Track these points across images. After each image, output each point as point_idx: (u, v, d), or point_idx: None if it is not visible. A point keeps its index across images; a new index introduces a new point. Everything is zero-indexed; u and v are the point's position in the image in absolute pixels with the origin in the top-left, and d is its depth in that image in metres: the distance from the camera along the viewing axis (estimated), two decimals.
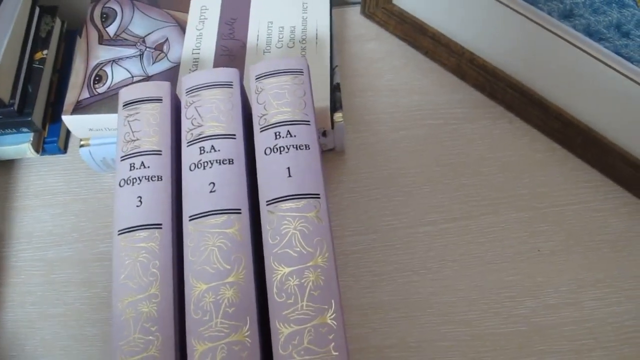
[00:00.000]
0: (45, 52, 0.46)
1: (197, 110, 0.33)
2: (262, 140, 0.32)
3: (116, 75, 0.42)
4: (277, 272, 0.29)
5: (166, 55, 0.43)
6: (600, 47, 0.39)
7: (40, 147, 0.46)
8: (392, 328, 0.40)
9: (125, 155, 0.33)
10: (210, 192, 0.31)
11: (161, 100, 0.34)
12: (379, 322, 0.40)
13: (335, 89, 0.43)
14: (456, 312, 0.40)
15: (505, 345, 0.39)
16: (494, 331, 0.40)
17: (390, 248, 0.42)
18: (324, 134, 0.42)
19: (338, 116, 0.42)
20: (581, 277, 0.41)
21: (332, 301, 0.28)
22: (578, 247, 0.42)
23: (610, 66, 0.39)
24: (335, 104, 0.42)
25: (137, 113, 0.34)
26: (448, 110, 0.47)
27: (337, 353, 0.27)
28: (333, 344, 0.28)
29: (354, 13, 0.52)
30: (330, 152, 0.45)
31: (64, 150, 0.47)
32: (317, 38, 0.42)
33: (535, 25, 0.41)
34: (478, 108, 0.47)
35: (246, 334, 0.28)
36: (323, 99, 0.40)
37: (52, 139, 0.46)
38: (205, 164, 0.32)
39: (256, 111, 0.33)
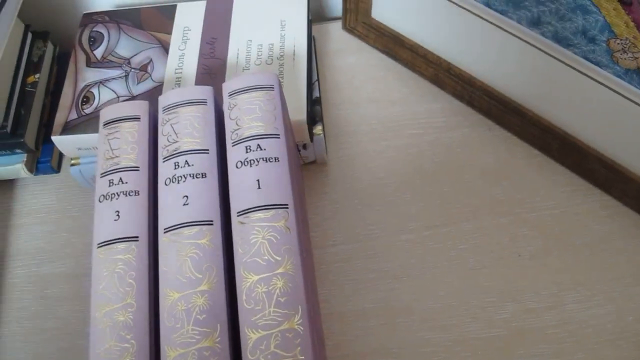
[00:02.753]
0: (37, 75, 0.48)
1: (172, 127, 0.35)
2: (233, 154, 0.33)
3: (103, 96, 0.44)
4: (246, 280, 0.30)
5: (150, 75, 0.44)
6: (569, 53, 0.40)
7: (34, 167, 0.47)
8: (374, 335, 0.41)
9: (105, 172, 0.34)
10: (184, 205, 0.32)
11: (139, 118, 0.36)
12: (360, 329, 0.41)
13: (314, 102, 0.44)
14: (437, 318, 0.41)
15: (486, 350, 0.40)
16: (475, 336, 0.40)
17: (372, 256, 0.43)
18: (304, 147, 0.43)
19: (317, 129, 0.43)
20: (561, 280, 0.42)
21: (299, 307, 0.29)
22: (558, 250, 0.43)
23: (580, 71, 0.40)
24: (315, 118, 0.44)
25: (116, 131, 0.36)
26: (428, 120, 0.48)
27: (303, 357, 0.28)
28: (299, 348, 0.28)
29: (335, 28, 0.53)
30: (312, 164, 0.46)
31: (57, 169, 0.49)
32: (294, 54, 0.44)
33: (506, 34, 0.42)
34: (457, 116, 0.48)
35: (216, 340, 0.29)
36: (300, 113, 0.41)
37: (45, 159, 0.48)
38: (180, 178, 0.33)
39: (229, 126, 0.34)
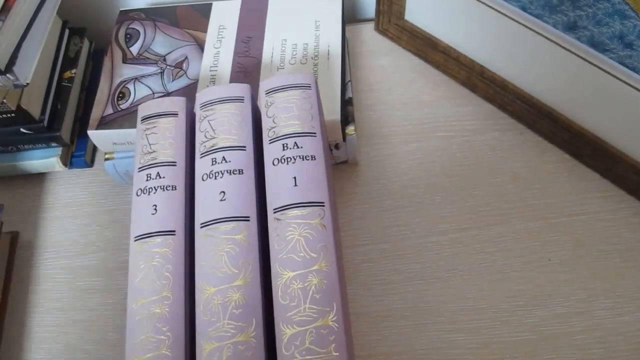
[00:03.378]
0: (73, 71, 0.49)
1: (210, 124, 0.35)
2: (270, 152, 0.34)
3: (138, 92, 0.44)
4: (282, 276, 0.30)
5: (185, 72, 0.45)
6: (605, 58, 0.39)
7: (68, 160, 0.48)
8: (401, 335, 0.41)
9: (142, 167, 0.35)
10: (221, 200, 0.33)
11: (177, 114, 0.36)
12: (388, 329, 0.41)
13: (347, 103, 0.44)
14: (465, 320, 0.41)
15: (513, 354, 0.40)
16: (503, 340, 0.40)
17: (401, 257, 0.43)
18: (337, 146, 0.44)
19: (350, 129, 0.44)
20: (591, 286, 0.41)
21: (334, 304, 0.30)
22: (588, 256, 0.42)
23: (615, 77, 0.40)
24: (347, 118, 0.44)
25: (154, 127, 0.36)
26: (459, 123, 0.48)
27: (337, 353, 0.28)
28: (334, 344, 0.29)
29: (368, 29, 0.54)
30: (344, 164, 0.47)
31: (91, 163, 0.50)
32: (329, 54, 0.44)
33: (541, 38, 0.42)
34: (488, 120, 0.48)
35: (252, 334, 0.29)
36: (334, 113, 0.41)
37: (79, 153, 0.48)
38: (217, 174, 0.33)
39: (266, 124, 0.35)
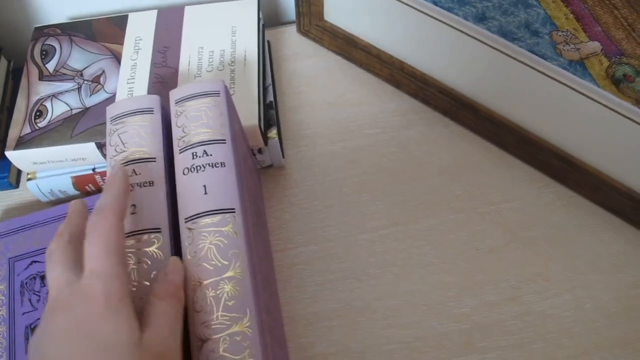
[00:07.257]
0: None
1: (120, 138, 0.35)
2: (180, 161, 0.33)
3: (56, 109, 0.44)
4: (195, 285, 0.30)
5: (103, 86, 0.44)
6: (515, 47, 0.40)
7: None
8: (336, 335, 0.41)
9: None
10: (132, 214, 0.32)
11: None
12: (323, 330, 0.41)
13: (268, 107, 0.44)
14: (398, 315, 0.41)
15: (447, 345, 0.40)
16: (437, 332, 0.40)
17: (332, 257, 0.43)
18: (260, 151, 0.44)
19: (272, 133, 0.43)
20: (520, 272, 0.42)
21: (247, 310, 0.29)
22: (516, 243, 0.43)
23: (527, 64, 0.40)
24: (269, 122, 0.44)
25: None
26: (384, 119, 0.48)
27: (252, 359, 0.28)
28: (248, 350, 0.28)
29: (291, 32, 0.54)
30: (270, 168, 0.46)
31: (16, 185, 0.48)
32: (245, 59, 0.44)
33: (454, 30, 0.42)
34: (414, 114, 0.48)
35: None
36: (252, 118, 0.41)
37: (2, 175, 0.47)
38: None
39: (176, 134, 0.34)
